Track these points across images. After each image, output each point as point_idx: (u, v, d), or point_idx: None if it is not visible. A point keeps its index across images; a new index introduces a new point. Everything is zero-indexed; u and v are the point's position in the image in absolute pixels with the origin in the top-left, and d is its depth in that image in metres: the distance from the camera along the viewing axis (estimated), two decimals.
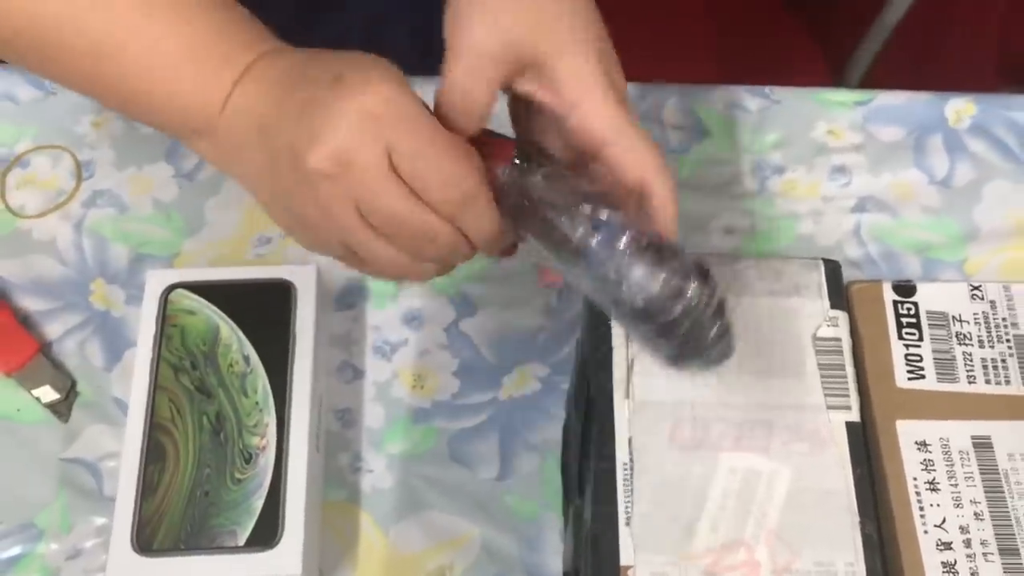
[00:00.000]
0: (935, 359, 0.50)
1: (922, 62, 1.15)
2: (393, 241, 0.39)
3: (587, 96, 0.41)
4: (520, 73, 0.41)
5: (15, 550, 0.54)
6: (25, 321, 0.60)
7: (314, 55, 0.40)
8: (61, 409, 0.57)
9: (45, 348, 0.59)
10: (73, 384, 0.58)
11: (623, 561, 0.44)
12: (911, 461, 0.47)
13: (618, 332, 0.49)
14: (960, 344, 0.50)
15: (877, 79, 1.08)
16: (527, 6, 0.40)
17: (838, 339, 0.49)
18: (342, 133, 0.36)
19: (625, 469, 0.46)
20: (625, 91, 0.42)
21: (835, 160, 0.66)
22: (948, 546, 0.46)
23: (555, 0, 0.41)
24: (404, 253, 0.39)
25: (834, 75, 1.11)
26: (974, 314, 0.51)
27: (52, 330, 0.60)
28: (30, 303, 0.60)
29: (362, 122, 0.36)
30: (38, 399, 0.57)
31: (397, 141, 0.37)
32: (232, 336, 0.54)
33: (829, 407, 0.47)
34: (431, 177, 0.37)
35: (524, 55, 0.40)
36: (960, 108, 0.68)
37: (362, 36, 0.72)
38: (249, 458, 0.51)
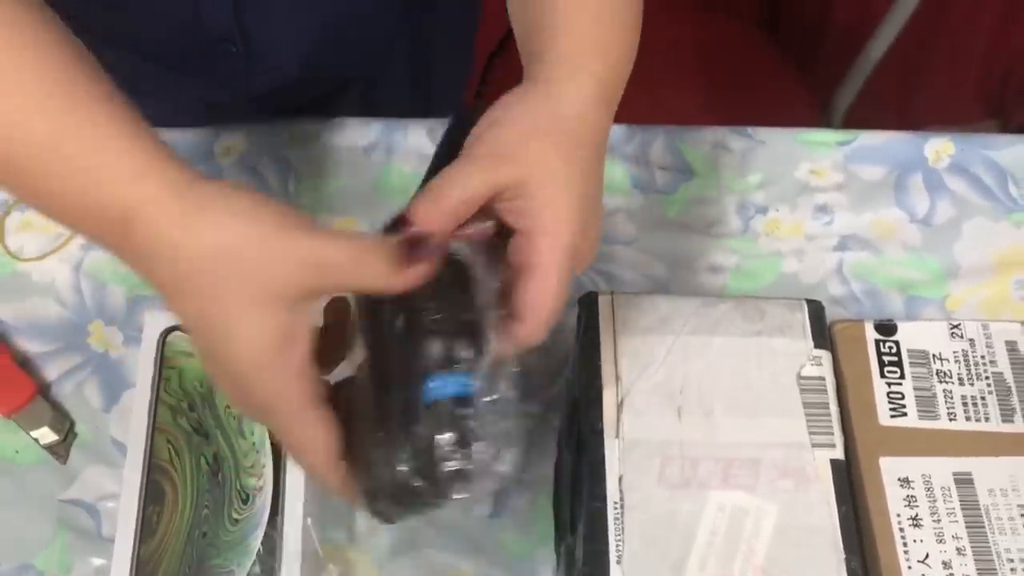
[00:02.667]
0: (916, 397, 0.51)
1: (905, 95, 1.17)
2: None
3: (544, 237, 0.41)
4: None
5: None
6: (24, 363, 0.60)
7: (189, 270, 0.38)
8: (59, 450, 0.58)
9: (44, 389, 0.60)
10: (71, 425, 0.59)
11: None
12: (894, 497, 0.49)
13: (608, 372, 0.51)
14: (941, 382, 0.52)
15: (861, 113, 1.10)
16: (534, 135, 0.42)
17: (822, 378, 0.50)
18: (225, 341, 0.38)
19: (616, 507, 0.47)
20: (592, 240, 0.43)
21: (818, 199, 0.68)
22: None
23: (564, 143, 0.43)
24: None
25: (819, 109, 1.13)
26: (954, 352, 0.53)
27: (51, 371, 0.61)
28: (29, 345, 0.61)
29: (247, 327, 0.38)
30: (37, 440, 0.58)
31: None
32: None
33: (814, 445, 0.49)
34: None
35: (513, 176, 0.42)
36: (939, 147, 0.70)
37: (358, 94, 0.75)
38: (247, 499, 0.52)
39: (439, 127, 0.68)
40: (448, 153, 0.44)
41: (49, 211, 0.40)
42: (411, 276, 0.39)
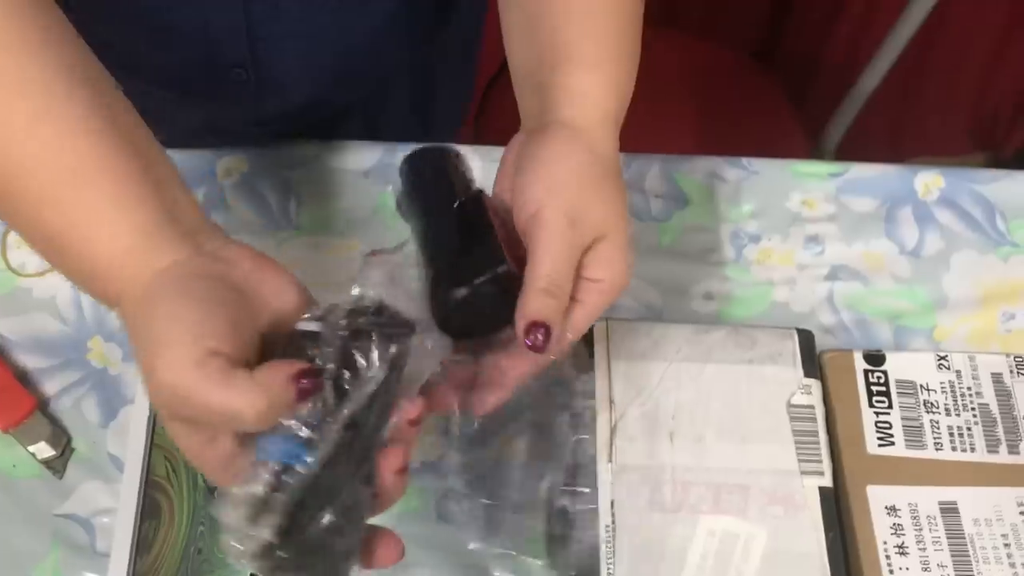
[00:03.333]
0: (904, 426, 0.52)
1: (897, 128, 1.19)
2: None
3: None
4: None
5: None
6: (23, 378, 0.61)
7: (146, 317, 0.39)
8: (56, 465, 0.59)
9: (42, 405, 0.60)
10: (69, 440, 0.59)
11: None
12: (881, 525, 0.49)
13: (602, 396, 0.52)
14: (928, 412, 0.53)
15: (853, 144, 1.12)
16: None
17: (811, 406, 0.51)
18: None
19: (608, 531, 0.48)
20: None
21: (809, 230, 0.69)
22: None
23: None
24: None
25: (811, 140, 1.14)
26: (941, 383, 0.54)
27: (50, 387, 0.61)
28: (28, 360, 0.62)
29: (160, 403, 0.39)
30: (34, 455, 0.58)
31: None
32: None
33: (803, 472, 0.50)
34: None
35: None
36: (929, 181, 0.71)
37: (362, 118, 0.76)
38: None
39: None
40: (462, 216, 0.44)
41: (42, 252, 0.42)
42: None
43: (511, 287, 0.42)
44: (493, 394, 0.45)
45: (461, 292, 0.42)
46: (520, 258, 0.44)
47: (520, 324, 0.42)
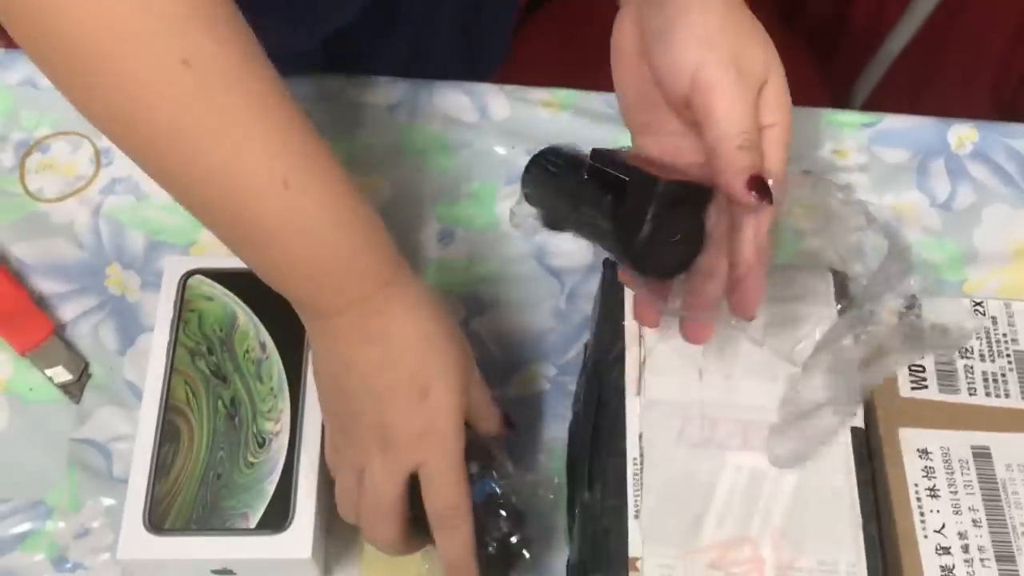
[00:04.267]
0: (937, 371, 0.52)
1: (920, 92, 1.17)
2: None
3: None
4: None
5: (24, 526, 0.54)
6: (41, 302, 0.60)
7: (413, 340, 0.45)
8: (73, 390, 0.58)
9: (59, 329, 0.59)
10: (86, 366, 0.59)
11: (631, 553, 0.45)
12: (913, 467, 0.49)
13: (631, 332, 0.51)
14: (962, 357, 0.52)
15: (878, 106, 1.10)
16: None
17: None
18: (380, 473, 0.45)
19: (635, 464, 0.47)
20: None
21: (840, 179, 0.68)
22: (947, 551, 0.47)
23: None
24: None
25: (836, 102, 1.13)
26: (976, 329, 0.53)
27: (67, 312, 0.60)
28: (46, 285, 0.61)
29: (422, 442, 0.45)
30: (51, 379, 0.58)
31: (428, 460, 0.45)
32: (249, 323, 0.55)
33: (835, 412, 0.49)
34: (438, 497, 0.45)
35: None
36: (963, 134, 0.70)
37: (410, 47, 0.74)
38: (263, 443, 0.52)
39: (463, 91, 0.68)
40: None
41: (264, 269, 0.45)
42: None
43: (681, 195, 0.41)
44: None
45: (645, 233, 0.41)
46: (678, 169, 0.43)
47: (737, 185, 0.41)
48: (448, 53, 0.78)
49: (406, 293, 0.45)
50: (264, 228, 0.42)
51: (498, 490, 0.48)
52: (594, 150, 0.45)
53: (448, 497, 0.45)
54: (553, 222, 0.47)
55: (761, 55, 0.42)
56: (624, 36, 0.46)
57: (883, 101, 1.10)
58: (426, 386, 0.44)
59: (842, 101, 1.13)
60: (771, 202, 0.41)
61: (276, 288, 0.45)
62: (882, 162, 0.69)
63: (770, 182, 0.42)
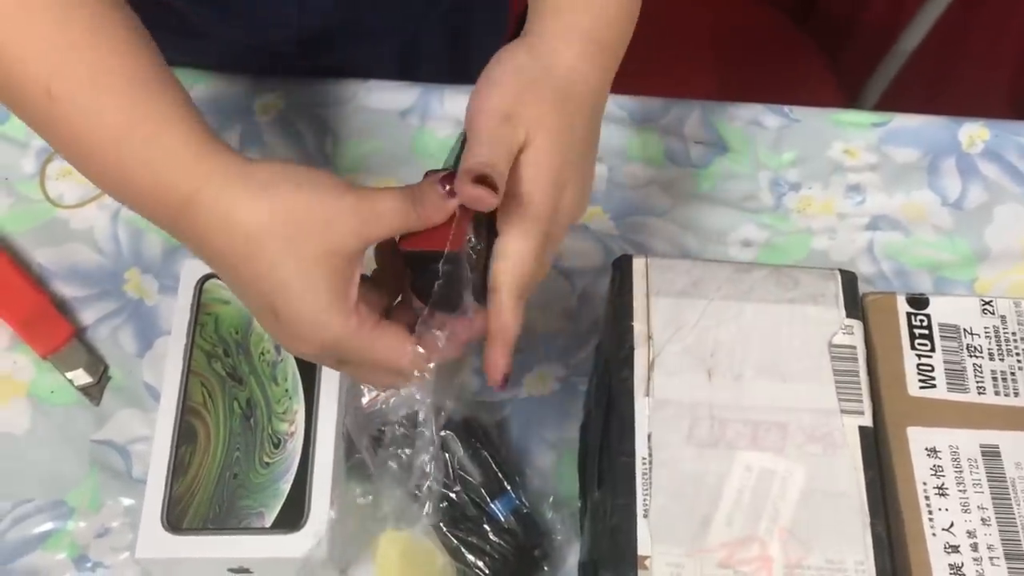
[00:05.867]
0: (946, 369, 0.52)
1: (935, 91, 1.17)
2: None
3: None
4: None
5: (46, 526, 0.55)
6: (61, 306, 0.61)
7: (251, 251, 0.41)
8: (93, 392, 0.59)
9: (80, 333, 0.61)
10: (105, 368, 0.60)
11: (641, 551, 0.46)
12: (921, 466, 0.49)
13: (640, 332, 0.51)
14: (971, 356, 0.52)
15: (891, 106, 1.10)
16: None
17: (853, 347, 0.51)
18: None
19: (644, 463, 0.48)
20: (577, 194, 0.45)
21: (850, 179, 0.68)
22: (956, 549, 0.47)
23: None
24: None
25: (850, 101, 1.13)
26: (985, 328, 0.53)
27: (87, 316, 0.62)
28: (67, 289, 0.62)
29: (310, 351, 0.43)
30: (71, 382, 0.59)
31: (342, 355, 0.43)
32: None
33: (843, 411, 0.49)
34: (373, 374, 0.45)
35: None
36: (974, 133, 0.70)
37: (396, 53, 0.75)
38: (278, 443, 0.53)
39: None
40: None
41: (112, 189, 0.44)
42: (470, 197, 0.41)
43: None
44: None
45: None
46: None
47: (463, 182, 0.41)
48: (438, 59, 0.78)
49: (211, 213, 0.41)
50: (53, 137, 0.43)
51: (522, 505, 0.49)
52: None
53: (327, 344, 0.42)
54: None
55: (535, 112, 0.43)
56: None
57: (897, 100, 1.10)
58: (272, 307, 0.41)
59: (854, 99, 1.13)
60: (488, 202, 0.41)
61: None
62: (893, 161, 0.69)
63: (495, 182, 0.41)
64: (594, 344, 0.60)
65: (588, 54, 0.45)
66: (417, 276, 0.45)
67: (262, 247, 0.40)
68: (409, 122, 0.69)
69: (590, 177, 0.47)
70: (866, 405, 0.49)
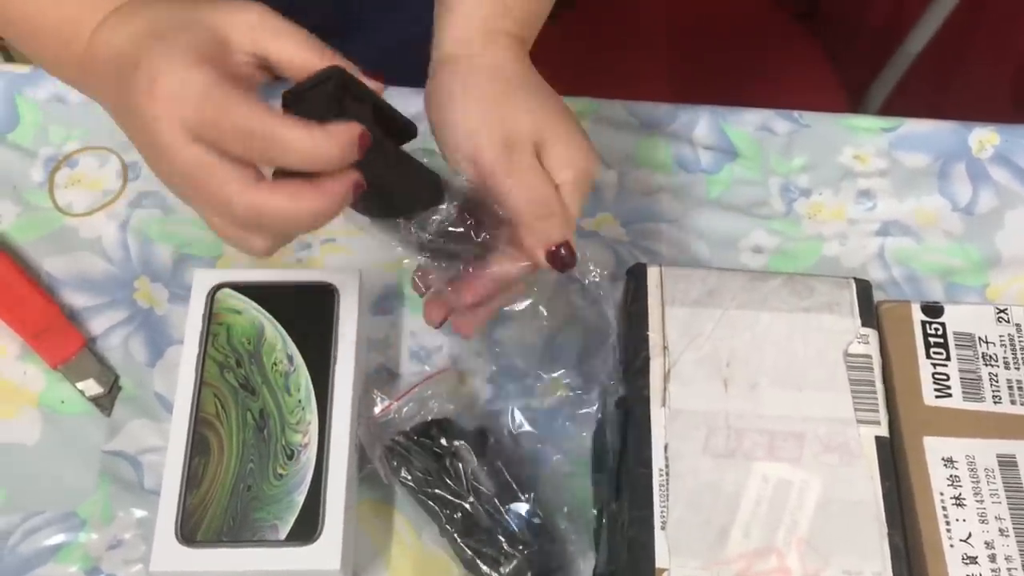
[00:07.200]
0: (962, 378, 0.52)
1: (941, 92, 1.17)
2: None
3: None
4: None
5: (58, 538, 0.55)
6: (71, 316, 0.61)
7: (134, 38, 0.41)
8: (104, 403, 0.59)
9: (90, 343, 0.60)
10: (116, 379, 0.59)
11: (658, 564, 0.45)
12: (938, 476, 0.49)
13: (655, 342, 0.51)
14: (986, 365, 0.52)
15: (896, 108, 1.10)
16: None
17: (868, 356, 0.51)
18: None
19: (661, 475, 0.48)
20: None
21: (861, 184, 0.68)
22: (974, 560, 0.47)
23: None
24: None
25: (855, 104, 1.13)
26: (1000, 336, 0.53)
27: (97, 325, 0.61)
28: (76, 299, 0.62)
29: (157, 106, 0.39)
30: (82, 392, 0.59)
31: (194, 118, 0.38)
32: (277, 336, 0.56)
33: (859, 421, 0.49)
34: (231, 140, 0.38)
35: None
36: (984, 137, 0.70)
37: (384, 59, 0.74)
38: (291, 454, 0.52)
39: None
40: None
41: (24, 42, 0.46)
42: None
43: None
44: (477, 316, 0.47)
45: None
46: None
47: (538, 257, 0.43)
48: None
49: (94, 67, 0.42)
50: None
51: (536, 515, 0.50)
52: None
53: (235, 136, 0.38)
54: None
55: (528, 122, 0.43)
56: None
57: (902, 102, 1.10)
58: (154, 143, 0.39)
59: (860, 101, 1.13)
60: (572, 266, 0.44)
61: None
62: (903, 167, 0.69)
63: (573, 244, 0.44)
64: (607, 351, 0.60)
65: (502, 43, 0.45)
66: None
67: (120, 74, 0.40)
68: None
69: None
70: (882, 415, 0.49)
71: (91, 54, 0.43)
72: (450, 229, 0.44)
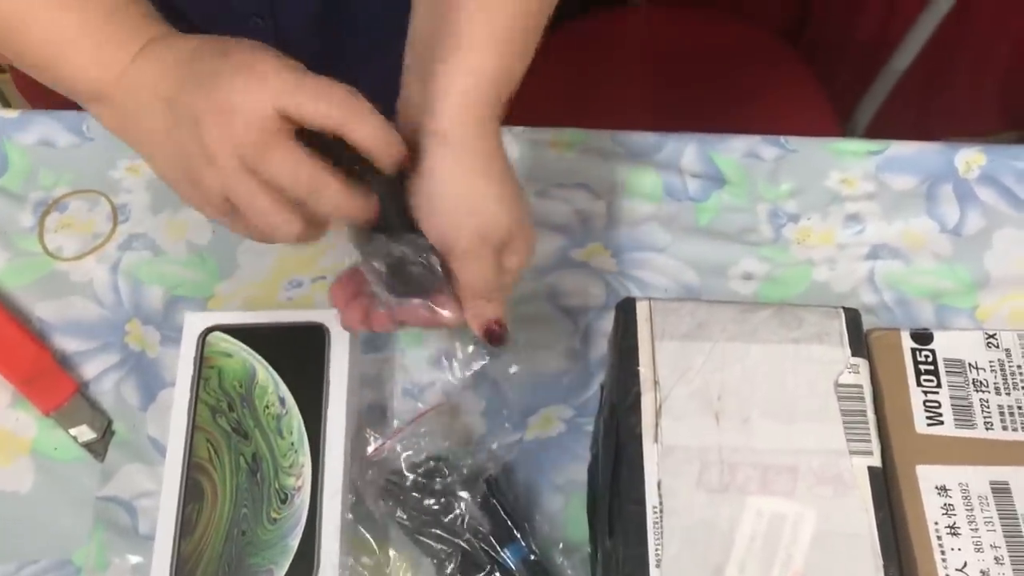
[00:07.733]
0: (953, 405, 0.52)
1: (928, 107, 1.17)
2: (273, 193, 0.43)
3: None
4: None
5: None
6: (63, 361, 0.61)
7: (205, 39, 0.46)
8: (97, 448, 0.59)
9: (82, 387, 0.60)
10: (109, 423, 0.59)
11: None
12: (932, 505, 0.49)
13: (646, 377, 0.51)
14: (977, 391, 0.52)
15: (884, 124, 1.11)
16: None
17: (859, 386, 0.51)
18: (227, 86, 0.42)
19: (655, 512, 0.48)
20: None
21: (849, 208, 0.68)
22: None
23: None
24: (280, 205, 0.44)
25: (841, 120, 1.13)
26: (990, 362, 0.53)
27: (89, 370, 0.61)
28: (67, 343, 0.62)
29: (247, 79, 0.42)
30: (75, 438, 0.59)
31: (281, 96, 0.42)
32: (268, 378, 0.56)
33: (851, 452, 0.49)
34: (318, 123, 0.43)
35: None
36: (970, 158, 0.70)
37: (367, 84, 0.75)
38: (285, 498, 0.52)
39: None
40: None
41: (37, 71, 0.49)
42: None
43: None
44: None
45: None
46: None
47: (477, 330, 0.49)
48: None
49: (136, 92, 0.46)
50: None
51: (532, 552, 0.50)
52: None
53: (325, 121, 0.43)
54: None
55: (506, 221, 0.47)
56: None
57: (889, 120, 1.10)
58: (194, 171, 0.44)
59: (847, 119, 1.13)
60: (503, 345, 0.50)
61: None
62: (890, 189, 0.69)
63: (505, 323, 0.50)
64: (599, 384, 0.60)
65: (484, 125, 0.47)
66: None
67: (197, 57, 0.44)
68: None
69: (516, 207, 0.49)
70: (874, 445, 0.49)
71: (155, 54, 0.45)
72: (415, 258, 0.48)
